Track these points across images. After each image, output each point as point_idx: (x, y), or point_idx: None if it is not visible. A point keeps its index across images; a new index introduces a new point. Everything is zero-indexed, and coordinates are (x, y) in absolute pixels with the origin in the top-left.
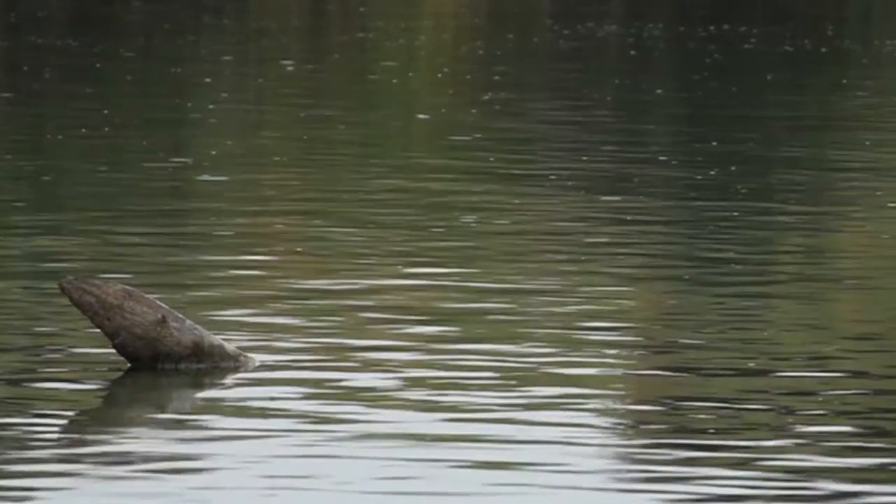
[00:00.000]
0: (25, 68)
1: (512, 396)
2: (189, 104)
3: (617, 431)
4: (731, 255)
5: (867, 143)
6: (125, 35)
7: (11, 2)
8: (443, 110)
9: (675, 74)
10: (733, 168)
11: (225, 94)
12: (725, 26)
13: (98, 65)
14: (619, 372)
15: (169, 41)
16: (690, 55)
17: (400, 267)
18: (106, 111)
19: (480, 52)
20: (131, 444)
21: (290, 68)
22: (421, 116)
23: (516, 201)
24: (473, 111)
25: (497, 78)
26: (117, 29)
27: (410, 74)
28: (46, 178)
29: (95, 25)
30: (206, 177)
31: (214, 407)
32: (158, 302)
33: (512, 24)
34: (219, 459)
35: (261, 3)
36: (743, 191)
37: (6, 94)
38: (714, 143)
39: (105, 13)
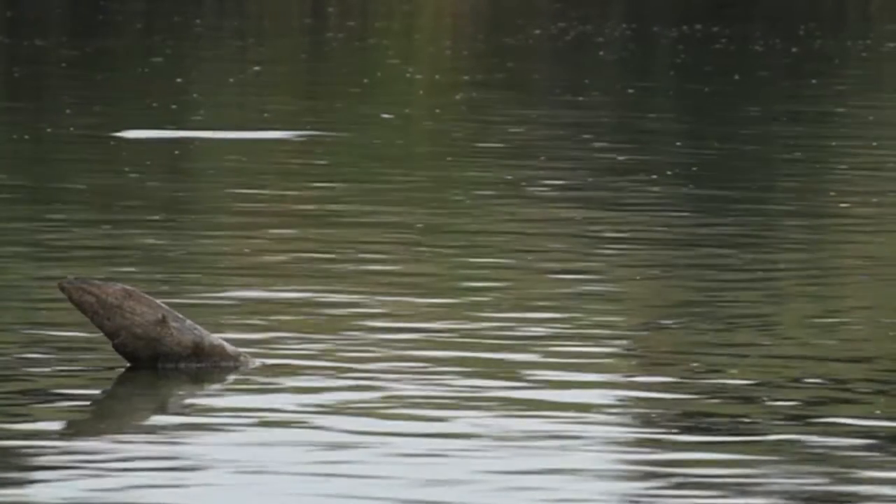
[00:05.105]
0: None
1: (515, 398)
2: (172, 106)
3: (620, 423)
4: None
5: (833, 143)
6: (99, 35)
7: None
8: (407, 110)
9: (647, 74)
10: (694, 169)
11: (196, 95)
12: (698, 26)
13: (64, 64)
14: (620, 370)
15: (139, 40)
16: (661, 55)
17: (399, 265)
18: (69, 111)
19: (448, 52)
20: (131, 444)
21: (256, 68)
22: (385, 116)
23: (494, 202)
24: (438, 111)
25: (466, 78)
26: (90, 29)
27: (378, 74)
28: (45, 177)
29: (70, 24)
30: (206, 175)
31: (214, 407)
32: (158, 302)
33: (485, 24)
34: (218, 459)
35: (259, 3)
36: (705, 193)
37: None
38: (678, 143)
39: (80, 13)
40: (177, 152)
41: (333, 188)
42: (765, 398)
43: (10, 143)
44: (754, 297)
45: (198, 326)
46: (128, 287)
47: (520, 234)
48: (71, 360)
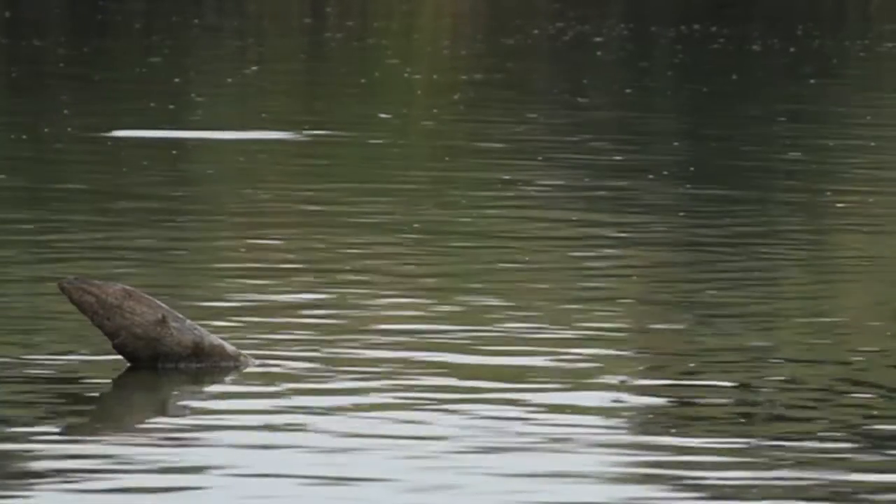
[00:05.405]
0: None
1: (513, 400)
2: (171, 106)
3: (618, 425)
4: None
5: (832, 143)
6: (98, 35)
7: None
8: (405, 110)
9: (646, 74)
10: (693, 169)
11: (195, 95)
12: (696, 26)
13: (62, 64)
14: (619, 371)
15: (137, 40)
16: (660, 55)
17: (398, 266)
18: (66, 111)
19: (446, 51)
20: (131, 445)
21: (254, 68)
22: (383, 116)
23: (486, 202)
24: (436, 111)
25: (464, 78)
26: (88, 29)
27: (377, 74)
28: (44, 177)
29: (68, 24)
30: (206, 175)
31: (214, 408)
32: (158, 302)
33: (484, 24)
34: (217, 460)
35: (259, 3)
36: (701, 193)
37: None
38: (676, 144)
39: (79, 12)
40: (175, 152)
41: (332, 188)
42: (764, 399)
43: (8, 143)
44: (754, 297)
45: (198, 326)
46: (128, 287)
47: (518, 234)
48: (71, 361)
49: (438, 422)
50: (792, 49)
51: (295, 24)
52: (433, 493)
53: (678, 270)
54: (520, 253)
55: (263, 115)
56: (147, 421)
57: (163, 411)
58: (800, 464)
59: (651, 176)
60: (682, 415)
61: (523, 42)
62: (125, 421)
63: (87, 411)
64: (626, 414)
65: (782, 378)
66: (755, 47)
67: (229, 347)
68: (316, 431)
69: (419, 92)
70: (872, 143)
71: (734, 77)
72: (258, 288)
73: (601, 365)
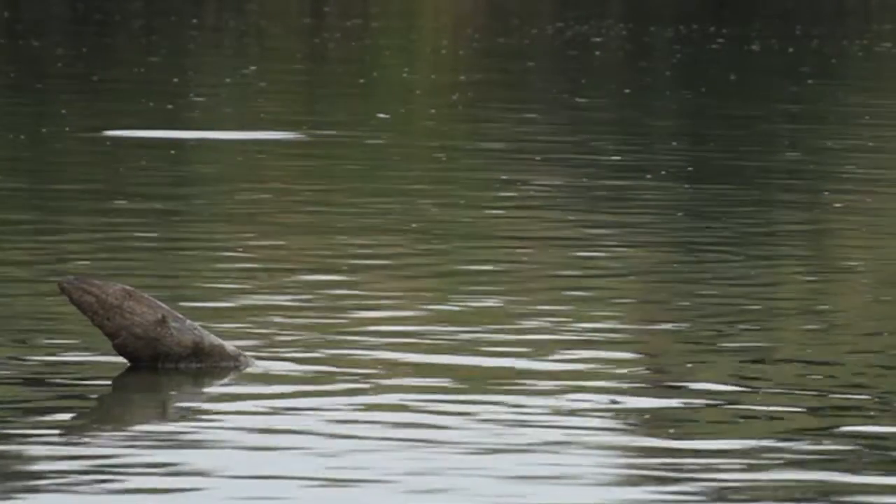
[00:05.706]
0: None
1: (512, 402)
2: (169, 106)
3: (617, 426)
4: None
5: (830, 143)
6: (96, 34)
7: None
8: (403, 110)
9: (644, 74)
10: (691, 169)
11: (194, 95)
12: (694, 26)
13: (60, 64)
14: (618, 372)
15: (136, 40)
16: (658, 55)
17: (398, 267)
18: (64, 111)
19: (444, 51)
20: (131, 445)
21: (253, 68)
22: (381, 116)
23: (485, 203)
24: (434, 111)
25: (462, 78)
26: (87, 28)
27: (375, 74)
28: (43, 177)
29: (67, 24)
30: (205, 175)
31: (214, 409)
32: (158, 302)
33: (482, 24)
34: (218, 460)
35: (258, 3)
36: (701, 193)
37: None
38: (675, 144)
39: (78, 12)
40: (174, 152)
41: (332, 188)
42: (764, 400)
43: (8, 143)
44: (753, 297)
45: (198, 326)
46: (128, 287)
47: (519, 234)
48: (71, 361)
49: (437, 423)
50: (791, 49)
51: (295, 24)
52: (432, 494)
53: (678, 270)
54: (520, 253)
55: (263, 115)
56: (147, 421)
57: (163, 411)
58: (799, 464)
59: (651, 176)
60: (682, 415)
61: (522, 42)
62: (125, 421)
63: (87, 411)
64: (624, 415)
65: (781, 378)
66: (754, 47)
67: (229, 347)
68: (315, 432)
69: (418, 92)
70: (871, 144)
71: (733, 77)
72: (258, 288)
73: (600, 365)
